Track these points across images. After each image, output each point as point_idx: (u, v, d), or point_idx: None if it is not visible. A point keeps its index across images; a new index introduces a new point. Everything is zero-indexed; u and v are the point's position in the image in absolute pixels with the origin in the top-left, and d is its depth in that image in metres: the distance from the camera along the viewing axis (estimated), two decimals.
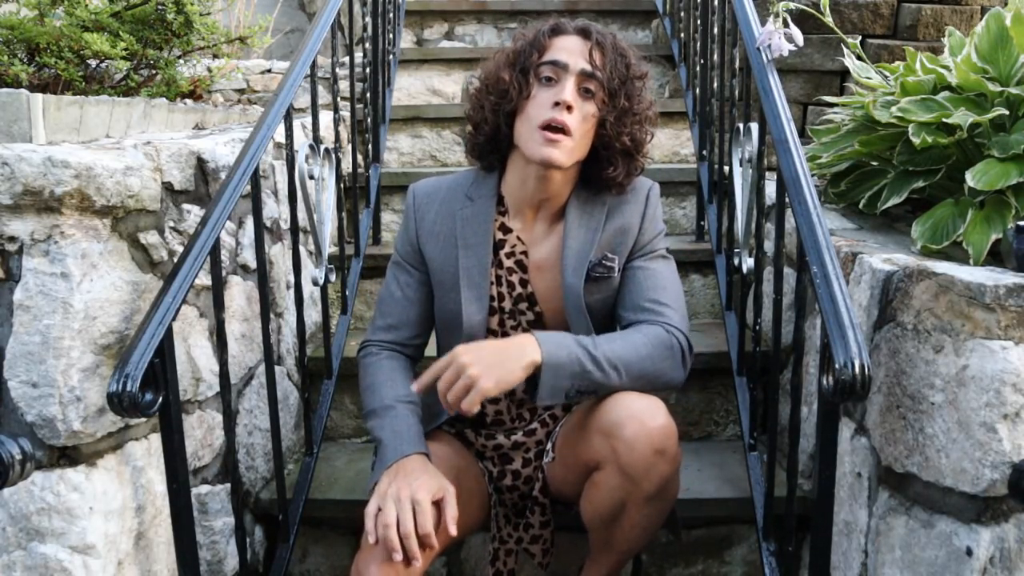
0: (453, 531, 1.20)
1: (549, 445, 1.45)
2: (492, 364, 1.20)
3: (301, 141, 1.64)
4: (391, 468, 1.26)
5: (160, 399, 1.15)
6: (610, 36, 1.32)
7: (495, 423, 1.48)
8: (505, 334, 1.43)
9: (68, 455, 1.16)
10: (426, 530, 1.18)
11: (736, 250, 1.70)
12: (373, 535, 1.19)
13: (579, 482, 1.36)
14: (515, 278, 1.41)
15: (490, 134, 1.36)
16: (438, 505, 1.22)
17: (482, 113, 1.36)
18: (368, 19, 2.49)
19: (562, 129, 1.27)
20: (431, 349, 1.50)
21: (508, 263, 1.41)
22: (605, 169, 1.36)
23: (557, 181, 1.35)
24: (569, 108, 1.27)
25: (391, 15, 2.75)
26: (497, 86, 1.33)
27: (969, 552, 1.07)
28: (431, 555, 1.26)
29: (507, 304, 1.42)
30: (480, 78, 1.39)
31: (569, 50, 1.30)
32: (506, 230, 1.41)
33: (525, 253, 1.40)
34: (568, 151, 1.29)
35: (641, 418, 1.23)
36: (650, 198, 1.42)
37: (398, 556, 1.17)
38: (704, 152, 2.27)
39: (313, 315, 2.06)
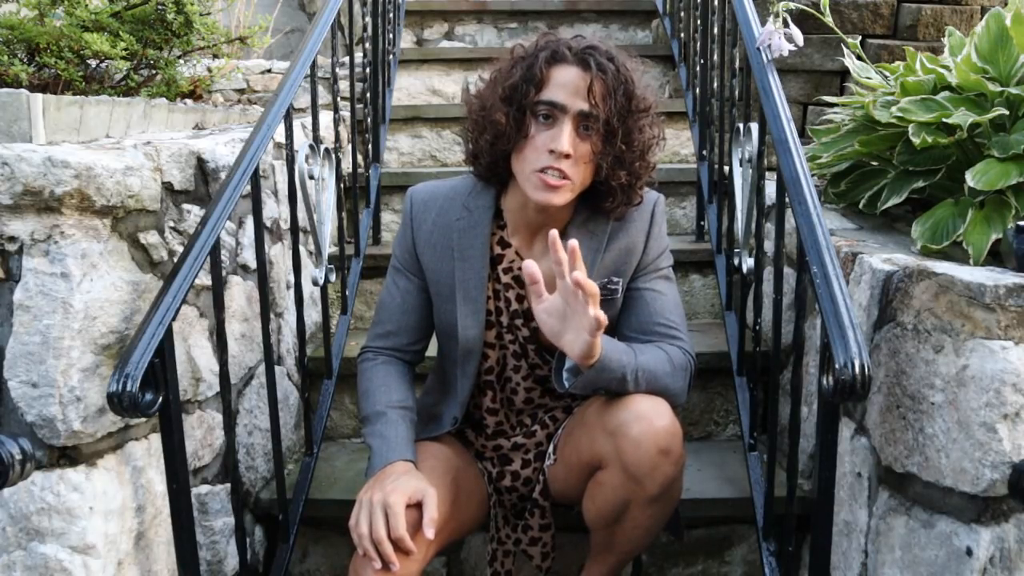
0: (429, 534, 1.19)
1: (551, 448, 1.44)
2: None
3: (301, 141, 1.64)
4: (375, 476, 1.26)
5: (160, 399, 1.15)
6: (611, 67, 1.23)
7: (496, 433, 1.48)
8: (503, 347, 1.42)
9: (68, 455, 1.16)
10: (398, 533, 1.17)
11: (736, 250, 1.70)
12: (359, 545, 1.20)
13: (581, 484, 1.36)
14: (511, 294, 1.39)
15: (488, 165, 1.34)
16: (418, 507, 1.21)
17: (479, 146, 1.33)
18: (368, 19, 2.49)
19: (560, 173, 1.24)
20: (432, 350, 1.50)
21: (505, 278, 1.39)
22: (604, 200, 1.32)
23: (556, 210, 1.32)
24: (567, 156, 1.23)
25: (391, 15, 2.75)
26: (493, 128, 1.27)
27: (969, 552, 1.07)
28: (424, 556, 1.25)
29: (504, 319, 1.40)
30: (476, 109, 1.33)
31: (567, 87, 1.23)
32: (504, 244, 1.39)
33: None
34: (568, 192, 1.26)
35: (648, 418, 1.22)
36: (655, 214, 1.38)
37: (376, 564, 1.17)
38: (704, 152, 2.27)
39: (313, 315, 2.06)
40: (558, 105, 1.23)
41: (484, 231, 1.37)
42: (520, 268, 1.37)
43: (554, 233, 1.12)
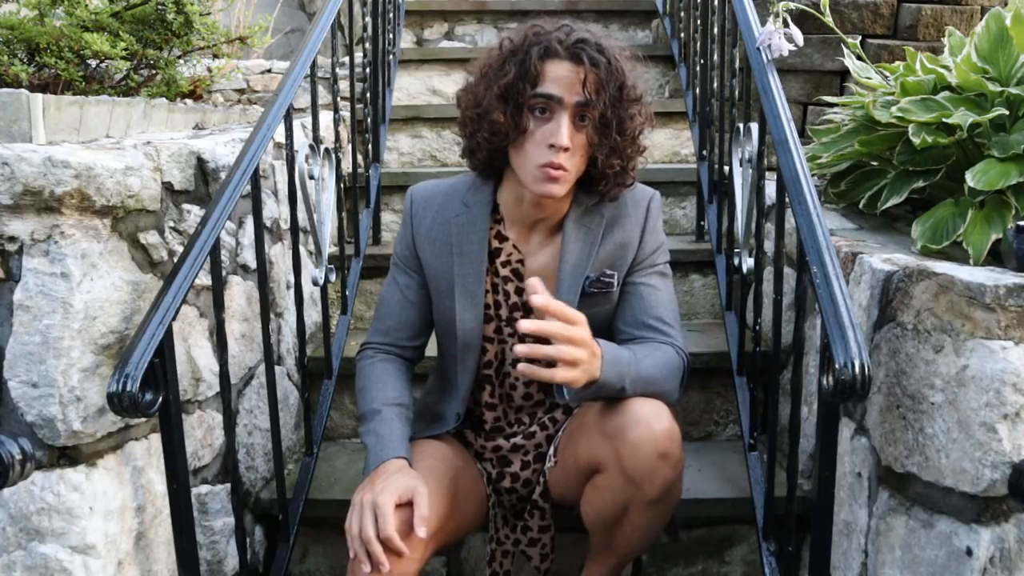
0: (420, 533, 1.17)
1: (551, 450, 1.44)
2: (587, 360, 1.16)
3: (301, 141, 1.64)
4: (369, 476, 1.26)
5: (160, 399, 1.15)
6: (603, 59, 1.25)
7: (495, 429, 1.48)
8: (503, 341, 1.42)
9: (68, 455, 1.16)
10: (386, 533, 1.15)
11: (736, 250, 1.70)
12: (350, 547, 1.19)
13: (580, 486, 1.36)
14: (510, 287, 1.40)
15: (485, 159, 1.35)
16: (411, 506, 1.20)
17: (475, 141, 1.34)
18: (368, 19, 2.49)
19: (559, 167, 1.25)
20: (431, 349, 1.50)
21: (504, 272, 1.40)
22: (597, 184, 1.34)
23: (552, 203, 1.35)
24: (565, 149, 1.24)
25: (391, 15, 2.75)
26: (491, 126, 1.29)
27: (969, 552, 1.07)
28: (420, 555, 1.24)
29: (504, 312, 1.41)
30: (470, 105, 1.33)
31: (561, 80, 1.24)
32: (502, 238, 1.40)
33: (521, 262, 1.39)
34: (567, 183, 1.28)
35: (647, 421, 1.22)
36: (650, 210, 1.40)
37: (365, 567, 1.16)
38: (704, 152, 2.27)
39: (313, 315, 2.06)
40: (555, 98, 1.24)
41: (482, 226, 1.39)
42: (519, 261, 1.39)
43: (532, 282, 1.12)
